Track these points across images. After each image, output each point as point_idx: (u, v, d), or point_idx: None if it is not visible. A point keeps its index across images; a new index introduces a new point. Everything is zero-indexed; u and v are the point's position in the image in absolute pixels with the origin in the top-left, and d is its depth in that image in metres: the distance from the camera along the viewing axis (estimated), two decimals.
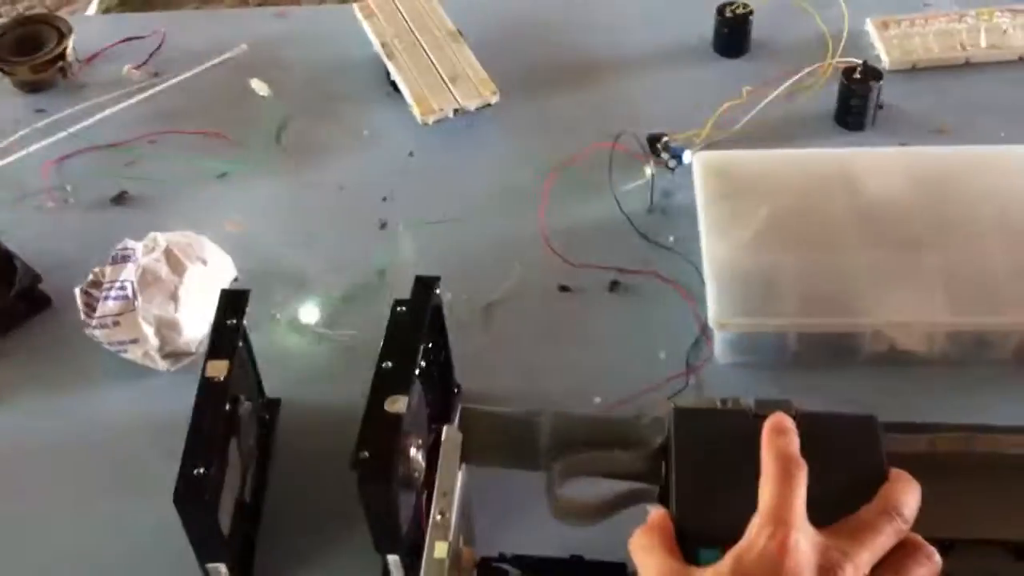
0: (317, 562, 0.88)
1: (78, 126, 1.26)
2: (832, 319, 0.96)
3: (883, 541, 0.61)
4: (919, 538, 0.62)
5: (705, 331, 1.01)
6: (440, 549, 0.66)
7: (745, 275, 0.99)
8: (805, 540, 0.59)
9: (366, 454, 0.77)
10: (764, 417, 0.66)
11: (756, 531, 0.60)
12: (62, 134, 1.25)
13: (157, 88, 1.30)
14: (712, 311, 0.96)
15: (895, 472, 0.65)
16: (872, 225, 1.02)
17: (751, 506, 0.62)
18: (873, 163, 1.07)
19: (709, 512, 0.65)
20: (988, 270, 0.97)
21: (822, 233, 1.02)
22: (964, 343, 0.97)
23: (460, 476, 0.71)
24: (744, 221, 1.03)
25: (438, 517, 0.68)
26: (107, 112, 1.27)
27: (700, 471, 0.66)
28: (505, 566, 0.76)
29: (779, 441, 0.63)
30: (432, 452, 0.89)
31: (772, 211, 1.03)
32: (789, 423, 0.65)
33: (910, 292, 0.97)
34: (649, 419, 0.73)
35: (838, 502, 0.63)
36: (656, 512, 0.65)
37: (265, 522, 0.91)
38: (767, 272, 0.99)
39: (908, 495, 0.63)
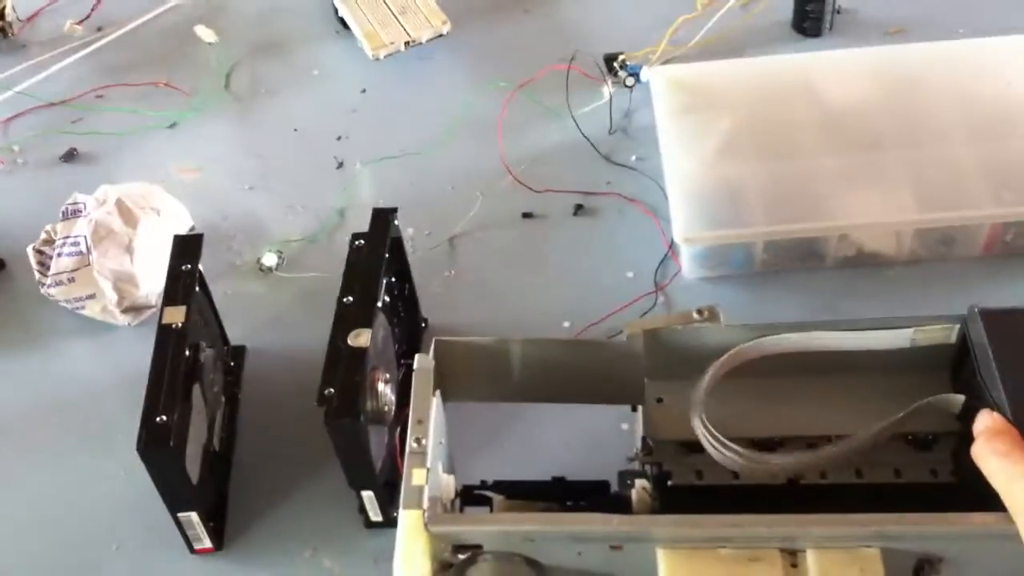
0: (292, 505, 0.87)
1: (23, 85, 1.23)
2: (798, 225, 0.94)
3: None
4: None
5: (672, 248, 0.99)
6: (418, 476, 0.65)
7: (709, 188, 0.97)
8: None
9: (331, 390, 0.76)
10: None
11: None
12: (7, 94, 1.22)
13: (101, 42, 1.27)
14: (677, 227, 0.94)
15: None
16: (835, 129, 1.00)
17: None
18: (833, 67, 1.06)
19: None
20: (953, 166, 0.96)
21: (785, 141, 1.00)
22: (931, 241, 0.96)
23: (435, 403, 0.69)
24: (705, 135, 1.01)
25: (414, 445, 0.66)
26: (52, 69, 1.24)
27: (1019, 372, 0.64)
28: (488, 492, 0.74)
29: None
30: (403, 388, 0.88)
31: (733, 123, 1.01)
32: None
33: (876, 193, 0.95)
34: (623, 341, 0.72)
35: None
36: (993, 417, 0.62)
37: (237, 470, 0.90)
38: (731, 184, 0.97)
39: None
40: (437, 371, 0.72)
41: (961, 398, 0.67)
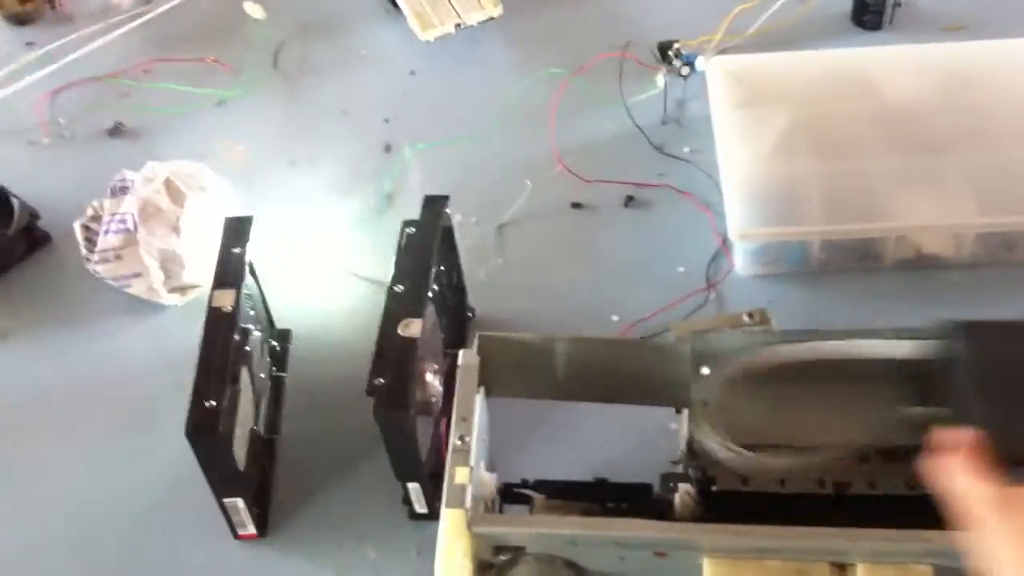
0: (336, 492, 0.86)
1: (69, 58, 1.22)
2: (856, 225, 0.92)
3: None
4: None
5: (725, 243, 0.97)
6: (461, 474, 0.64)
7: (765, 184, 0.95)
8: None
9: (381, 380, 0.75)
10: None
11: None
12: (53, 67, 1.21)
13: (149, 15, 1.27)
14: (732, 222, 0.93)
15: None
16: (894, 127, 0.98)
17: None
18: (893, 63, 1.03)
19: (1017, 429, 0.60)
20: (1015, 168, 0.94)
21: (843, 138, 0.98)
22: (991, 244, 0.94)
23: (479, 401, 0.68)
24: (762, 129, 0.99)
25: (458, 442, 0.65)
26: (98, 42, 1.24)
27: (1000, 388, 0.62)
28: (528, 491, 0.73)
29: None
30: (449, 378, 0.87)
31: (790, 117, 0.99)
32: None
33: (936, 194, 0.93)
34: (670, 339, 0.70)
35: None
36: (961, 434, 0.60)
37: (281, 455, 0.89)
38: (787, 180, 0.95)
39: None
40: (481, 367, 0.70)
41: (928, 411, 0.66)
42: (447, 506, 0.64)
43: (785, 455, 0.67)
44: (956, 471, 0.58)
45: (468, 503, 0.63)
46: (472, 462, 0.65)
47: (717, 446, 0.66)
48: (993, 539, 0.55)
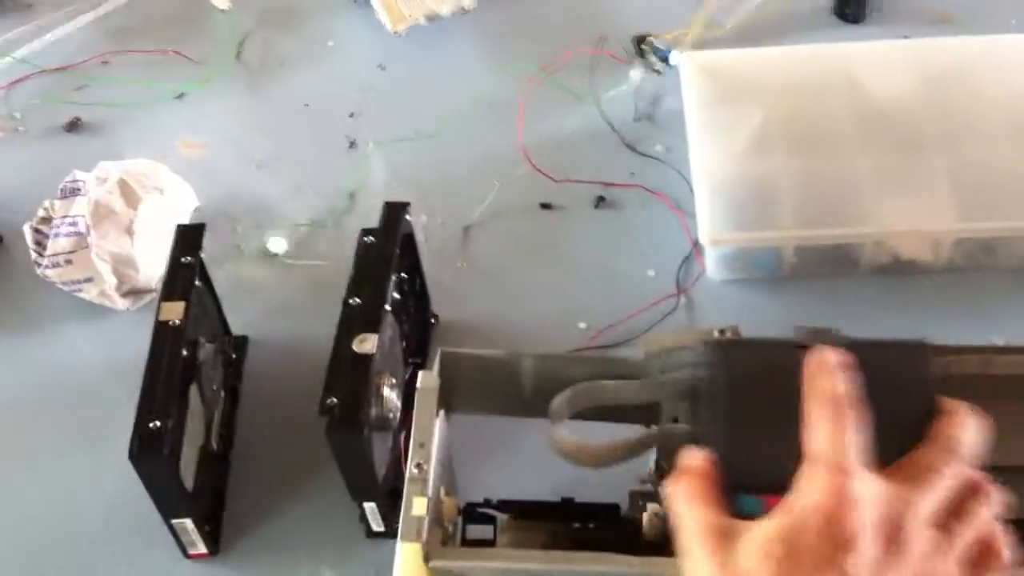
0: (291, 508, 0.83)
1: (26, 48, 1.18)
2: (831, 230, 0.90)
3: (945, 484, 0.53)
4: (980, 475, 0.54)
5: (696, 246, 0.94)
6: (418, 505, 0.61)
7: (738, 186, 0.92)
8: (864, 488, 0.51)
9: (334, 400, 0.72)
10: (806, 348, 0.57)
11: (807, 480, 0.52)
12: (9, 58, 1.17)
13: (108, 5, 1.22)
14: (703, 226, 0.90)
15: (949, 403, 0.56)
16: (873, 127, 0.95)
17: (799, 451, 0.55)
18: (874, 58, 1.00)
19: (754, 456, 0.57)
20: (996, 172, 0.91)
21: (820, 137, 0.95)
22: (970, 250, 0.91)
23: (438, 425, 0.65)
24: (736, 128, 0.96)
25: (415, 471, 0.62)
26: (57, 32, 1.20)
27: (743, 411, 0.58)
28: (491, 511, 0.70)
29: (824, 381, 0.54)
30: (410, 389, 0.84)
31: (766, 115, 0.96)
32: (833, 357, 0.56)
33: (914, 197, 0.90)
34: (639, 358, 0.67)
35: (889, 442, 0.54)
36: (694, 455, 0.57)
37: (235, 469, 0.86)
38: (761, 182, 0.92)
39: (966, 429, 0.54)
40: (443, 384, 0.67)
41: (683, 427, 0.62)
42: (403, 539, 0.61)
43: None
44: (680, 494, 0.55)
45: (425, 535, 0.60)
46: (430, 491, 0.62)
47: None
48: (696, 572, 0.52)
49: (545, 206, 1.00)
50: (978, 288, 0.91)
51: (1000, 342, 0.84)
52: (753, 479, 0.56)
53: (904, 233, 0.90)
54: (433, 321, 0.92)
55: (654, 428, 0.66)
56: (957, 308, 0.89)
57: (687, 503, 0.55)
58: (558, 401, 0.65)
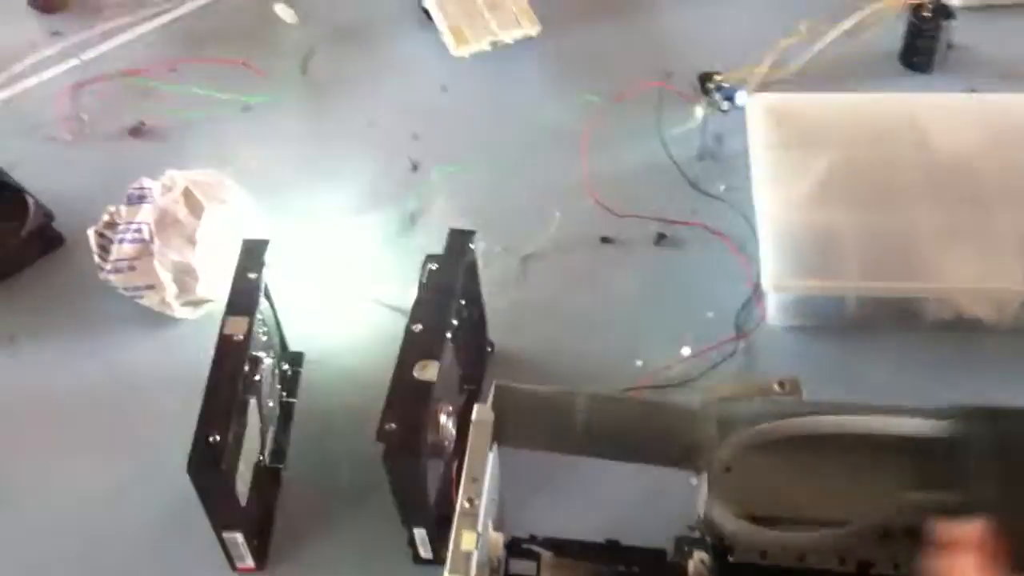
0: (339, 527, 0.83)
1: (94, 51, 1.20)
2: (896, 283, 0.89)
3: None
4: None
5: (757, 291, 0.94)
6: (468, 540, 0.61)
7: (802, 233, 0.91)
8: None
9: (393, 426, 0.72)
10: None
11: None
12: (77, 59, 1.18)
13: (177, 11, 1.24)
14: (767, 272, 0.89)
15: None
16: (939, 180, 0.94)
17: None
18: (942, 110, 1.00)
19: None
20: None
21: (885, 188, 0.94)
22: None
23: (491, 458, 0.65)
24: (801, 173, 0.95)
25: (466, 504, 0.62)
26: (125, 37, 1.21)
27: (1012, 478, 0.59)
28: (536, 548, 0.70)
29: None
30: (463, 417, 0.84)
31: (832, 162, 0.96)
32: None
33: (979, 256, 0.89)
34: (696, 407, 0.67)
35: None
36: (969, 528, 0.57)
37: (286, 483, 0.86)
38: (826, 229, 0.92)
39: None
40: (496, 417, 0.67)
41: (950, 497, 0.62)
42: (451, 572, 0.61)
43: (798, 531, 0.64)
44: (971, 570, 0.54)
45: (473, 571, 0.60)
46: (480, 527, 0.62)
47: (729, 521, 0.63)
48: None
49: (606, 240, 1.00)
50: None
51: None
52: None
53: (968, 290, 0.89)
54: (489, 350, 0.92)
55: (714, 478, 0.65)
56: (1018, 370, 0.88)
57: None
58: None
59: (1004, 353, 0.89)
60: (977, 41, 1.14)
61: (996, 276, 0.89)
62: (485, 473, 0.65)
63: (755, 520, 0.64)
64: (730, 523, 0.63)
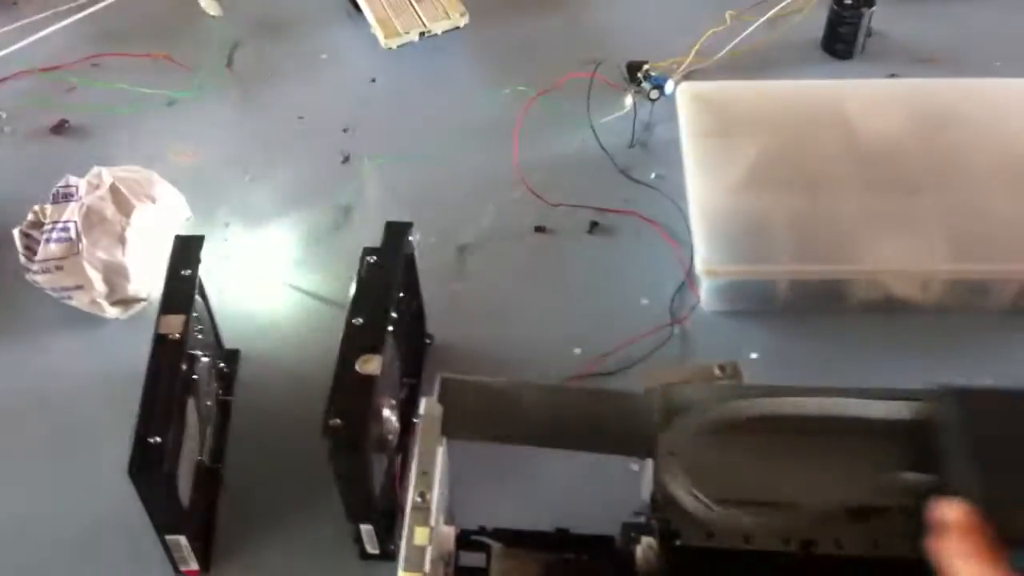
0: (282, 525, 0.82)
1: (13, 47, 1.16)
2: (826, 266, 0.91)
3: None
4: None
5: (690, 276, 0.95)
6: (421, 535, 0.61)
7: (733, 218, 0.93)
8: None
9: (338, 421, 0.71)
10: None
11: None
12: None
13: (99, 5, 1.21)
14: (700, 258, 0.91)
15: None
16: (866, 165, 0.96)
17: None
18: (868, 96, 1.02)
19: (1019, 507, 0.57)
20: (987, 213, 0.93)
21: (813, 173, 0.96)
22: (960, 290, 0.92)
23: (441, 452, 0.65)
24: (731, 159, 0.97)
25: (418, 499, 0.62)
26: (44, 32, 1.18)
27: (996, 460, 0.59)
28: (486, 540, 0.70)
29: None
30: (405, 410, 0.84)
31: (761, 149, 0.97)
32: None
33: (906, 237, 0.92)
34: (639, 394, 0.68)
35: None
36: (961, 510, 0.56)
37: (226, 484, 0.85)
38: (757, 215, 0.93)
39: None
40: (443, 412, 0.67)
41: (926, 477, 0.63)
42: (404, 570, 0.61)
43: (750, 511, 0.65)
44: (958, 552, 0.55)
45: (427, 567, 0.60)
46: (432, 520, 0.62)
47: (684, 494, 0.64)
48: None
49: (539, 229, 1.01)
50: (967, 328, 0.92)
51: (990, 383, 0.86)
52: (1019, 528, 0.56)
53: (895, 272, 0.91)
54: (428, 342, 0.92)
55: (659, 463, 0.66)
56: (947, 347, 0.91)
57: (967, 562, 0.54)
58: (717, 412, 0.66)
59: (930, 331, 0.92)
60: (895, 28, 1.16)
61: (921, 257, 0.91)
62: (436, 467, 0.64)
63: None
64: (684, 496, 0.64)
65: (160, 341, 0.77)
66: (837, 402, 0.66)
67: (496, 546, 0.70)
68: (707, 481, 0.65)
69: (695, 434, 0.66)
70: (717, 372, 0.71)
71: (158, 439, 0.72)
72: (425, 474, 0.64)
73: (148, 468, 0.71)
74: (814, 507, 0.64)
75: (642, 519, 0.70)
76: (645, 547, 0.67)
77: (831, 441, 0.67)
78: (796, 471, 0.67)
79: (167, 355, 0.77)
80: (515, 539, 0.71)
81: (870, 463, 0.65)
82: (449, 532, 0.68)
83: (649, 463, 0.70)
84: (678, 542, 0.66)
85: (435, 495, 0.63)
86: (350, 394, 0.73)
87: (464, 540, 0.70)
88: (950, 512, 0.56)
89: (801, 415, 0.66)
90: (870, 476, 0.65)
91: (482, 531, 0.71)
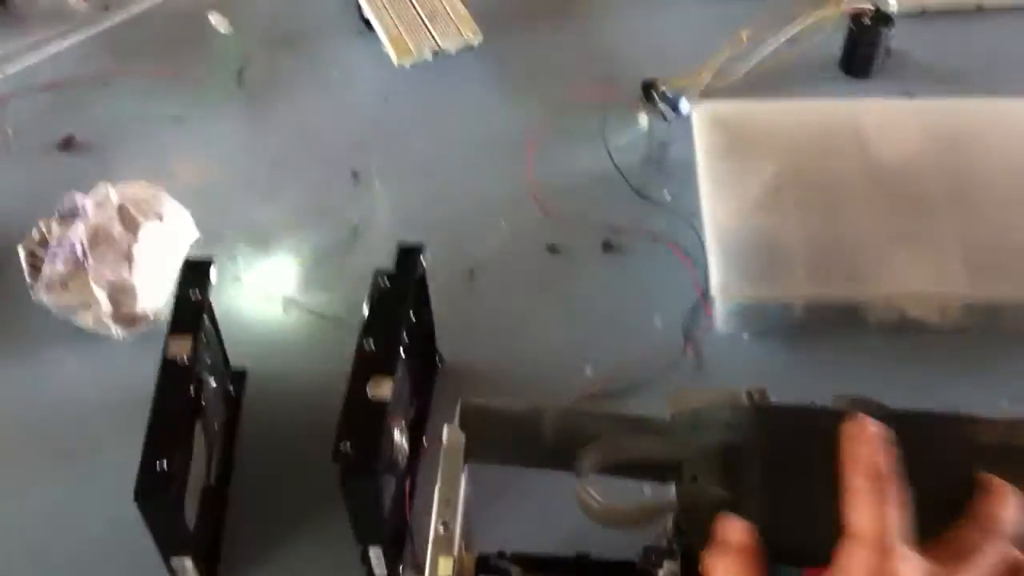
0: (289, 551, 0.81)
1: (21, 63, 1.16)
2: (841, 288, 0.89)
3: (988, 563, 0.52)
4: (1022, 555, 0.54)
5: (704, 297, 0.94)
6: (445, 566, 0.60)
7: (749, 240, 0.92)
8: (906, 568, 0.51)
9: (348, 445, 0.70)
10: (844, 416, 0.56)
11: (848, 556, 0.52)
12: (3, 72, 1.15)
13: (107, 23, 1.20)
14: (715, 279, 0.89)
15: (989, 480, 0.55)
16: (883, 186, 0.95)
17: (838, 522, 0.54)
18: (885, 116, 1.01)
19: (793, 527, 0.56)
20: (1006, 237, 0.91)
21: (830, 194, 0.95)
22: (978, 314, 0.91)
23: (463, 480, 0.64)
24: (747, 180, 0.96)
25: (440, 529, 0.61)
26: (52, 49, 1.17)
27: (781, 478, 0.58)
28: (506, 564, 0.69)
29: (863, 451, 0.54)
30: (415, 432, 0.83)
31: (777, 169, 0.96)
32: (872, 428, 0.55)
33: (923, 260, 0.90)
34: (664, 417, 0.66)
35: (928, 517, 0.54)
36: (735, 527, 0.56)
37: (232, 505, 0.84)
38: (772, 237, 0.92)
39: (1007, 507, 0.54)
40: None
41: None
42: None
43: None
44: (724, 570, 0.55)
45: None
46: (455, 550, 0.61)
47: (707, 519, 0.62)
48: None
49: (552, 249, 0.99)
50: (985, 351, 0.90)
51: (1006, 405, 0.85)
52: (793, 551, 0.55)
53: (912, 295, 0.90)
54: (439, 363, 0.91)
55: (682, 489, 0.65)
56: (964, 370, 0.89)
57: None
58: (583, 457, 0.64)
59: (948, 353, 0.90)
60: (912, 46, 1.15)
61: (939, 280, 0.90)
62: (459, 496, 0.63)
63: None
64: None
65: (168, 365, 0.76)
66: None
67: (515, 570, 0.69)
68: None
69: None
70: (744, 398, 0.69)
71: (165, 464, 0.70)
72: (448, 502, 0.63)
73: (155, 494, 0.70)
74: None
75: (664, 543, 0.69)
76: (667, 572, 0.65)
77: None
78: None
79: (175, 379, 0.75)
80: (535, 564, 0.70)
81: None
82: (469, 558, 0.67)
83: (673, 488, 0.69)
84: (701, 567, 0.65)
85: (458, 524, 0.62)
86: (361, 418, 0.72)
87: (484, 565, 0.69)
88: (730, 532, 0.56)
89: None
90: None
91: (502, 556, 0.70)
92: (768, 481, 0.57)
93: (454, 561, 0.60)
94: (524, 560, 0.70)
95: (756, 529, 0.55)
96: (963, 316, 0.91)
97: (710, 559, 0.55)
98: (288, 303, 0.96)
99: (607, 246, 0.99)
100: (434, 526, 0.61)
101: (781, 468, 0.58)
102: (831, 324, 0.92)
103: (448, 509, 0.62)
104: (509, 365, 0.91)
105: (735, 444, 0.60)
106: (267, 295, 0.97)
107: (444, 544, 0.61)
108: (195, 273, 0.81)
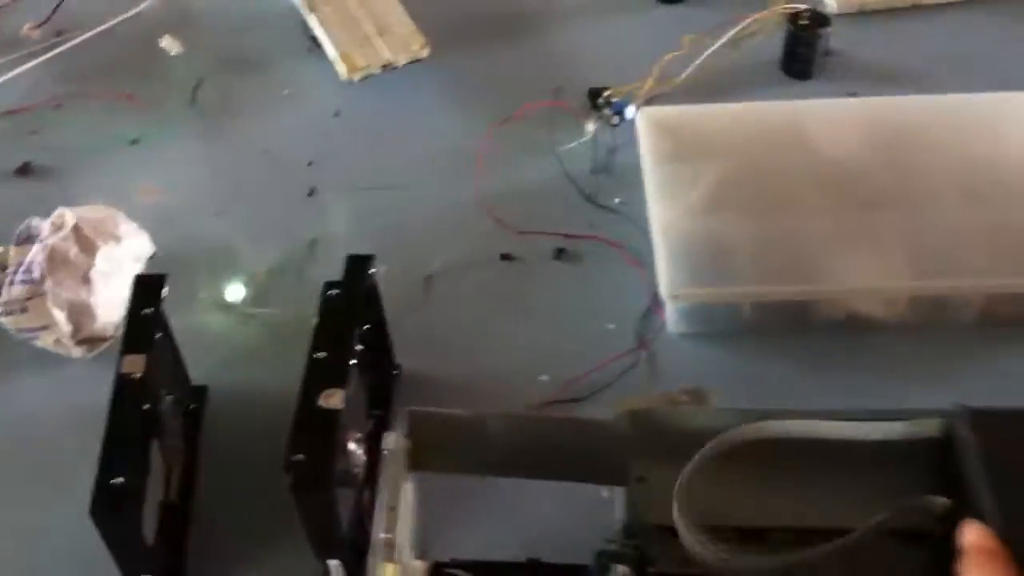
0: (252, 566, 0.82)
1: None
2: (787, 287, 0.91)
3: None
4: None
5: (656, 300, 0.95)
6: (389, 572, 0.61)
7: (696, 242, 0.93)
8: None
9: (300, 456, 0.71)
10: None
11: None
12: None
13: (61, 48, 1.21)
14: (664, 282, 0.91)
15: None
16: (827, 185, 0.97)
17: None
18: (827, 116, 1.03)
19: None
20: (949, 230, 0.93)
21: (775, 194, 0.97)
22: (924, 307, 0.93)
23: (408, 486, 0.65)
24: (693, 182, 0.98)
25: (382, 535, 0.62)
26: (6, 76, 1.18)
27: (1013, 483, 0.59)
28: (459, 572, 0.70)
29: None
30: (372, 442, 0.84)
31: (722, 171, 0.98)
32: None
33: (868, 256, 0.92)
34: (609, 420, 0.68)
35: None
36: (983, 534, 0.57)
37: (195, 522, 0.85)
38: (719, 238, 0.94)
39: None
40: (410, 444, 0.67)
41: (944, 500, 0.63)
42: None
43: (724, 536, 0.64)
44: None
45: None
46: (402, 556, 0.62)
47: (692, 542, 0.63)
48: None
49: (505, 257, 1.01)
50: (932, 345, 0.92)
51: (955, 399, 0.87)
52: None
53: (859, 291, 0.91)
54: (396, 372, 0.92)
55: (630, 489, 0.66)
56: (911, 364, 0.91)
57: None
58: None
59: (895, 349, 0.92)
60: (852, 46, 1.17)
61: (885, 275, 0.91)
62: (402, 502, 0.64)
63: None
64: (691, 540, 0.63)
65: (121, 381, 0.77)
66: (822, 424, 0.66)
67: None
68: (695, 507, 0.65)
69: (668, 460, 0.66)
70: (683, 398, 0.71)
71: (120, 480, 0.71)
72: (392, 509, 0.64)
73: (111, 510, 0.71)
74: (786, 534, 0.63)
75: (615, 546, 0.70)
76: (619, 575, 0.67)
77: (798, 465, 0.67)
78: (770, 496, 0.67)
79: (129, 395, 0.76)
80: (488, 571, 0.71)
81: (861, 487, 0.65)
82: (420, 566, 0.68)
83: (620, 491, 0.70)
84: (652, 569, 0.66)
85: (402, 530, 0.63)
86: (312, 429, 0.73)
87: (436, 574, 0.70)
88: (969, 535, 0.57)
89: (776, 438, 0.66)
90: (857, 502, 0.64)
91: (454, 564, 0.71)
92: (1003, 487, 0.59)
93: (399, 568, 0.61)
94: (477, 567, 0.71)
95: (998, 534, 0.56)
96: (909, 310, 0.93)
97: (966, 567, 0.56)
98: (247, 318, 0.98)
99: (560, 253, 1.01)
100: (375, 534, 0.62)
101: (1011, 472, 0.59)
102: (780, 322, 0.94)
103: (392, 515, 0.63)
104: (467, 373, 0.93)
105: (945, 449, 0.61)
106: (226, 311, 0.98)
107: (388, 551, 0.62)
108: (146, 289, 0.82)
